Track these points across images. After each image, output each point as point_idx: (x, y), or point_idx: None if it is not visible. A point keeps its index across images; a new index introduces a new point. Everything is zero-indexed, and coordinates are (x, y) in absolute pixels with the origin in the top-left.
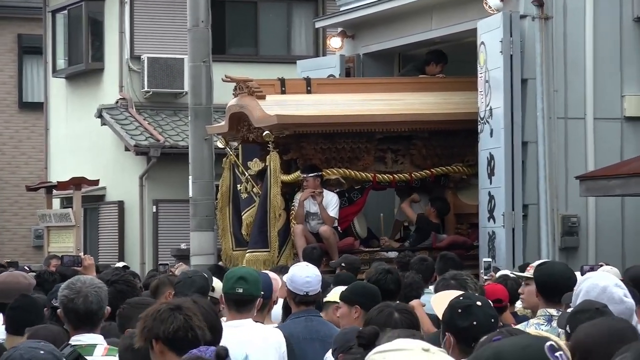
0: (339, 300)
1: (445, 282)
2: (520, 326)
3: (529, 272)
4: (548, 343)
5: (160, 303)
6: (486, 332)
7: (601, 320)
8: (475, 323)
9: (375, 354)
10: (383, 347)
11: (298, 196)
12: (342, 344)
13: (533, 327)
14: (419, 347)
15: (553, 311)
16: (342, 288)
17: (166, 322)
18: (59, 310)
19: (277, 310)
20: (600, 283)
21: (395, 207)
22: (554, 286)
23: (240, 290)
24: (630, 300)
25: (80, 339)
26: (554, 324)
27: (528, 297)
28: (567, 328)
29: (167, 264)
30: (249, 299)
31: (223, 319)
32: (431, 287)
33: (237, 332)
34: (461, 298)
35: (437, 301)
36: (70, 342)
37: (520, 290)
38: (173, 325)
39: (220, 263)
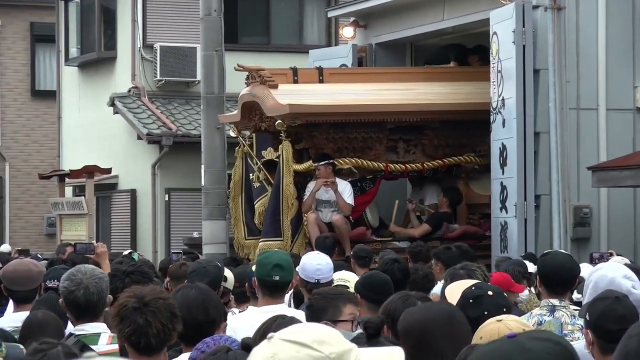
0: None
1: (454, 270)
2: (523, 317)
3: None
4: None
5: (129, 295)
6: None
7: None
8: (486, 313)
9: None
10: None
11: (310, 185)
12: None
13: (536, 317)
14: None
15: (555, 301)
16: (341, 275)
17: (125, 322)
18: (60, 300)
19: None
20: (609, 274)
21: (407, 197)
22: (557, 277)
23: (277, 278)
24: (638, 292)
25: (83, 329)
26: (557, 314)
27: None
28: (587, 316)
29: (180, 252)
30: (284, 285)
31: (233, 310)
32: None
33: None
34: (473, 288)
35: (451, 291)
36: (73, 331)
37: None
38: (129, 330)
39: (234, 255)
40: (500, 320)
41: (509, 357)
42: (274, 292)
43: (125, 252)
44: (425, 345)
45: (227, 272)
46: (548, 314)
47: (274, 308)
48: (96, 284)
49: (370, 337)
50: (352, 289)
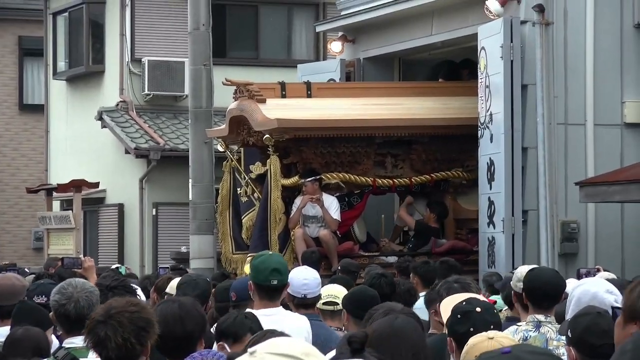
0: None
1: (448, 284)
2: (507, 331)
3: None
4: None
5: (101, 307)
6: None
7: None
8: (472, 329)
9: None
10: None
11: (297, 201)
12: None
13: (522, 333)
14: (250, 350)
15: (541, 317)
16: (329, 290)
17: (89, 335)
18: (51, 314)
19: None
20: (592, 289)
21: (395, 212)
22: (543, 292)
23: (275, 282)
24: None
25: (73, 342)
26: (542, 329)
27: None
28: (569, 333)
29: (167, 267)
30: (282, 289)
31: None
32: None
33: (270, 320)
34: (464, 303)
35: (445, 305)
36: (64, 344)
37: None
38: (90, 343)
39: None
40: (491, 338)
41: None
42: (272, 295)
43: (113, 267)
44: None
45: None
46: (534, 329)
47: (272, 311)
48: (87, 297)
49: (354, 352)
50: (341, 305)
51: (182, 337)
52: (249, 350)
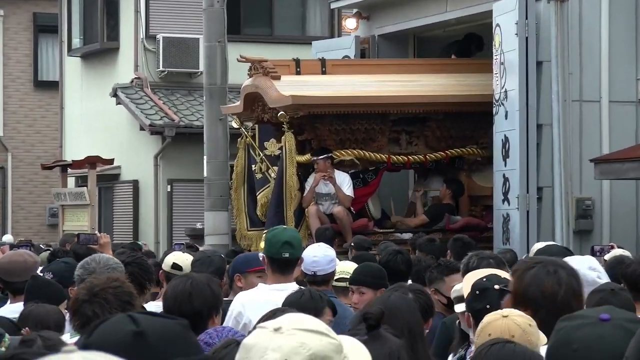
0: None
1: (485, 260)
2: None
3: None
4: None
5: (82, 287)
6: None
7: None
8: (488, 307)
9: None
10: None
11: (311, 179)
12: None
13: None
14: (271, 327)
15: None
16: (343, 265)
17: (76, 315)
18: (76, 288)
19: None
20: (574, 267)
21: (409, 188)
22: None
23: (287, 255)
24: (602, 282)
25: None
26: None
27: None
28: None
29: (183, 244)
30: (294, 262)
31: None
32: None
33: (281, 295)
34: (484, 280)
35: (467, 279)
36: None
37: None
38: (78, 323)
39: (235, 248)
40: (506, 316)
41: (617, 341)
42: (284, 269)
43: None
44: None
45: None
46: None
47: (284, 286)
48: (108, 273)
49: (370, 329)
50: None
51: (190, 314)
52: (273, 326)
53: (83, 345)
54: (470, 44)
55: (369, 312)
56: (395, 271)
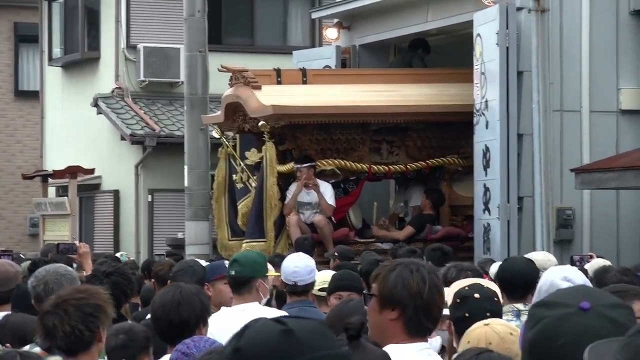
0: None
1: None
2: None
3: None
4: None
5: (50, 299)
6: None
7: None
8: (467, 315)
9: None
10: None
11: (292, 188)
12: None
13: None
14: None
15: (520, 306)
16: (324, 275)
17: (40, 326)
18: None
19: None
20: (549, 278)
21: (390, 199)
22: (515, 282)
23: (233, 273)
24: None
25: None
26: (523, 318)
27: None
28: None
29: (163, 254)
30: (243, 281)
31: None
32: None
33: (241, 315)
34: (466, 288)
35: (453, 288)
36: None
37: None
38: (42, 334)
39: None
40: (487, 325)
41: (598, 330)
42: (235, 288)
43: (117, 254)
44: None
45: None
46: (514, 318)
47: (246, 306)
48: (56, 280)
49: (351, 339)
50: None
51: (177, 322)
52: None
53: (234, 349)
54: (416, 50)
55: (349, 322)
56: None
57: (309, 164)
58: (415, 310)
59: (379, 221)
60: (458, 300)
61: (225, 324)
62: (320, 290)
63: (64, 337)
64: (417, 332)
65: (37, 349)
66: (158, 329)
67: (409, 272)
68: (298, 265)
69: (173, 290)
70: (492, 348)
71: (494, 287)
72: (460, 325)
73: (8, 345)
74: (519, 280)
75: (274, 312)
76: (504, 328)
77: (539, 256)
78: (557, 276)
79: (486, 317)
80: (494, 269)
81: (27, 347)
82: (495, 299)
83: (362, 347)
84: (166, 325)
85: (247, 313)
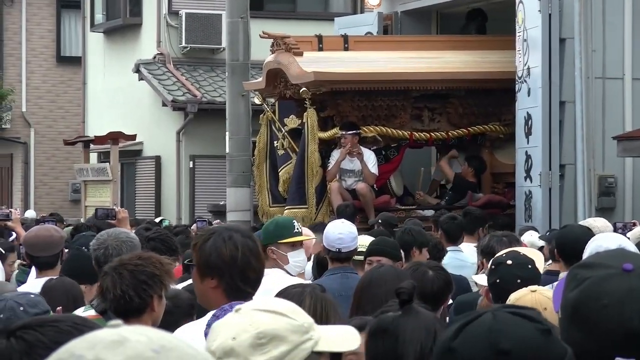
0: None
1: (497, 239)
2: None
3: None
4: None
5: (113, 261)
6: (508, 291)
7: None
8: (498, 281)
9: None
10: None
11: (334, 153)
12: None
13: None
14: (236, 309)
15: None
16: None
17: (100, 285)
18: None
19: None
20: (603, 244)
21: (432, 165)
22: (573, 248)
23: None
24: None
25: None
26: None
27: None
28: None
29: (205, 220)
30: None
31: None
32: (461, 246)
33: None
34: (503, 255)
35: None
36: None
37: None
38: (98, 293)
39: (255, 224)
40: (534, 291)
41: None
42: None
43: (157, 219)
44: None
45: None
46: None
47: (267, 271)
48: (116, 246)
49: (403, 303)
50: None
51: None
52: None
53: (447, 349)
54: (475, 19)
55: (401, 287)
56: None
57: (354, 131)
58: (232, 277)
59: (416, 196)
60: (492, 267)
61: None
62: (358, 254)
63: (113, 300)
64: (237, 297)
65: (90, 312)
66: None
67: (221, 240)
68: (342, 232)
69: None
70: (547, 314)
71: (536, 254)
72: (494, 291)
73: (59, 309)
74: (578, 247)
75: (293, 280)
76: (550, 294)
77: (599, 223)
78: (612, 243)
79: (517, 284)
80: (528, 237)
81: (79, 311)
82: (530, 266)
83: (415, 311)
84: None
85: (267, 278)
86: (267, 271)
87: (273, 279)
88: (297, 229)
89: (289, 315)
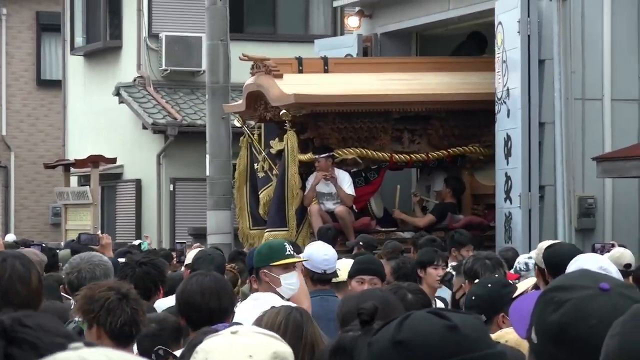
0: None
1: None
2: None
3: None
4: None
5: (109, 287)
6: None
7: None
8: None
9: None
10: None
11: (311, 178)
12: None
13: None
14: (228, 332)
15: None
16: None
17: (114, 314)
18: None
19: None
20: (584, 266)
21: (412, 187)
22: (562, 266)
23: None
24: None
25: None
26: None
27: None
28: None
29: (184, 243)
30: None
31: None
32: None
33: (254, 304)
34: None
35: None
36: (75, 317)
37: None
38: (120, 320)
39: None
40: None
41: (624, 308)
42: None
43: (135, 242)
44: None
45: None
46: None
47: (258, 295)
48: (90, 270)
49: (364, 324)
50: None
51: (216, 310)
52: (229, 331)
53: (394, 342)
54: (473, 42)
55: (362, 307)
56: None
57: (326, 154)
58: None
59: (393, 214)
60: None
61: (243, 312)
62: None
63: (141, 322)
64: None
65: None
66: (192, 315)
67: None
68: (328, 253)
69: (204, 278)
70: None
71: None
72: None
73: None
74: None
75: (280, 302)
76: None
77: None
78: (593, 265)
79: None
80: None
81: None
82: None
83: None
84: (206, 313)
85: (258, 302)
86: (260, 295)
87: (264, 304)
88: (289, 251)
89: (283, 342)
